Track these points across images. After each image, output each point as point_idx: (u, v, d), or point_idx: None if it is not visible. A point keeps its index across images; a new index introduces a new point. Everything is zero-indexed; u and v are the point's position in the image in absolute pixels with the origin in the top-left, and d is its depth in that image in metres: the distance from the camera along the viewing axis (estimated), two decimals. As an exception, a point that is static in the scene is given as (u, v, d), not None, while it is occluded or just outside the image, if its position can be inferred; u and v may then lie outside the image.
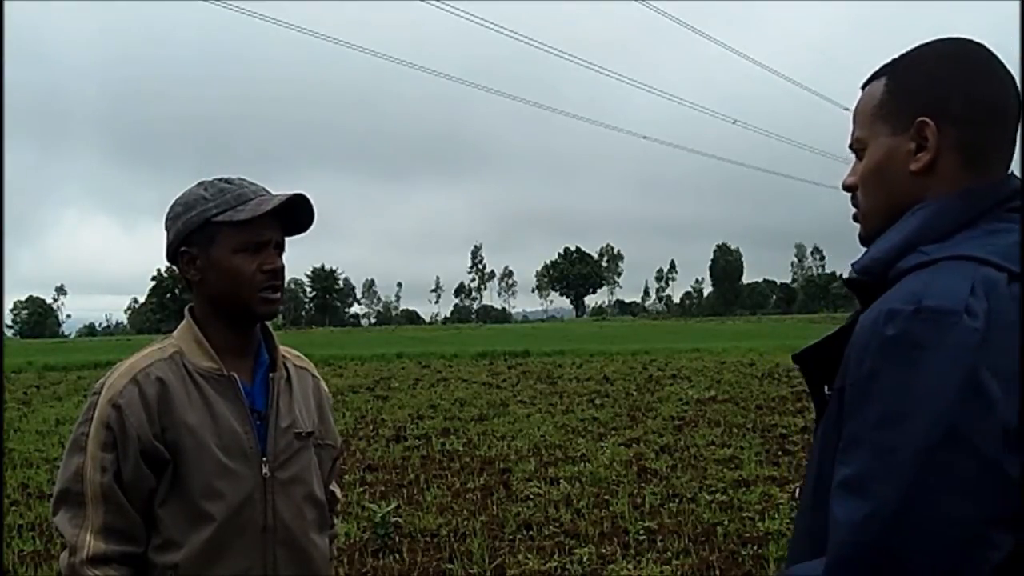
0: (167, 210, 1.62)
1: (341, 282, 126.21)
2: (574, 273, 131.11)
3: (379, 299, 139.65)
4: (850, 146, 1.10)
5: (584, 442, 8.41)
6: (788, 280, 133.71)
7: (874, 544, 0.81)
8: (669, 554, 4.76)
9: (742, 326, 57.05)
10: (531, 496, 6.14)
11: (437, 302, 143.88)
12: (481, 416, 10.45)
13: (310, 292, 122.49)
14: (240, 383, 1.58)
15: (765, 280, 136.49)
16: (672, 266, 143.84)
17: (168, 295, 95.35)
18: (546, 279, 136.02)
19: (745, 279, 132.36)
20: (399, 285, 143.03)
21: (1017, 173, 1.05)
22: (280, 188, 1.61)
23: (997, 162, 1.02)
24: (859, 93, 1.10)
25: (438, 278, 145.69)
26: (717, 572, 4.45)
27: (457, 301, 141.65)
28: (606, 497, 6.06)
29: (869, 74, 1.10)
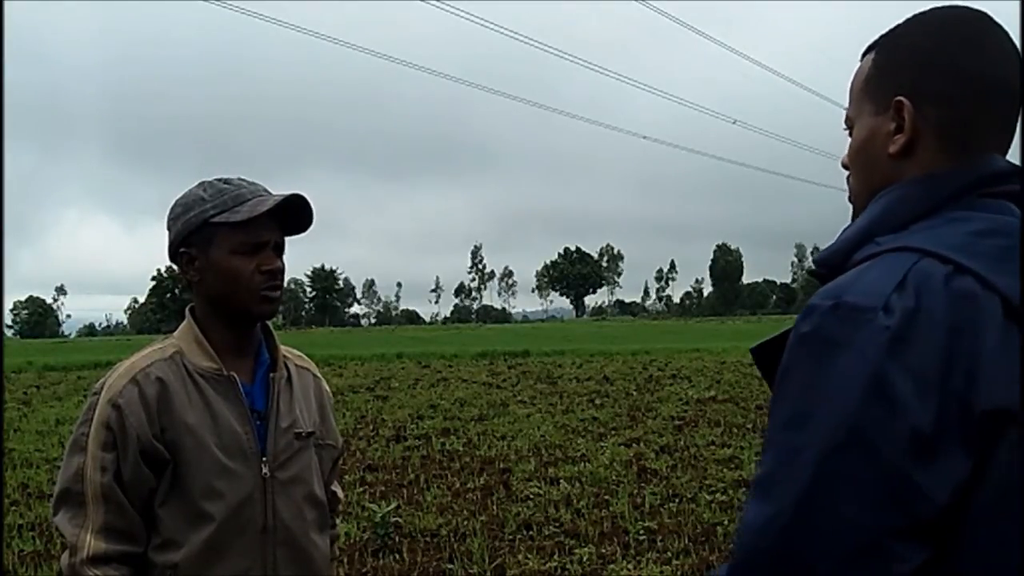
0: (168, 210, 1.62)
1: (341, 282, 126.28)
2: (574, 273, 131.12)
3: (379, 299, 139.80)
4: (845, 123, 1.04)
5: (584, 442, 8.41)
6: (788, 280, 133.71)
7: (772, 549, 0.77)
8: (669, 554, 4.76)
9: (742, 326, 57.05)
10: (531, 496, 6.14)
11: (437, 302, 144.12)
12: (481, 416, 10.44)
13: (310, 292, 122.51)
14: (240, 383, 1.58)
15: (765, 280, 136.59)
16: (672, 266, 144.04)
17: (168, 295, 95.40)
18: (546, 279, 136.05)
19: (745, 279, 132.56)
20: (399, 285, 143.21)
21: (1014, 158, 0.96)
22: (280, 188, 1.61)
23: (985, 145, 0.92)
24: None
25: (438, 278, 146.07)
26: (717, 572, 4.45)
27: (457, 301, 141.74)
28: (606, 497, 6.06)
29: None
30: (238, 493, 1.53)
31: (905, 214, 0.90)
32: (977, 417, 0.75)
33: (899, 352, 0.76)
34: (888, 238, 0.88)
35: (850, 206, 1.03)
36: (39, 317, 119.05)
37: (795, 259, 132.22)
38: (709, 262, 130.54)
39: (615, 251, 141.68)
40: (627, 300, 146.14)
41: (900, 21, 0.99)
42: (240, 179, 1.61)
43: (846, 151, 1.03)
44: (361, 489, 6.40)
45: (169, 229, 1.62)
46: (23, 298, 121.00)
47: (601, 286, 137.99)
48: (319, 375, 1.80)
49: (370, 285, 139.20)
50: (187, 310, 1.65)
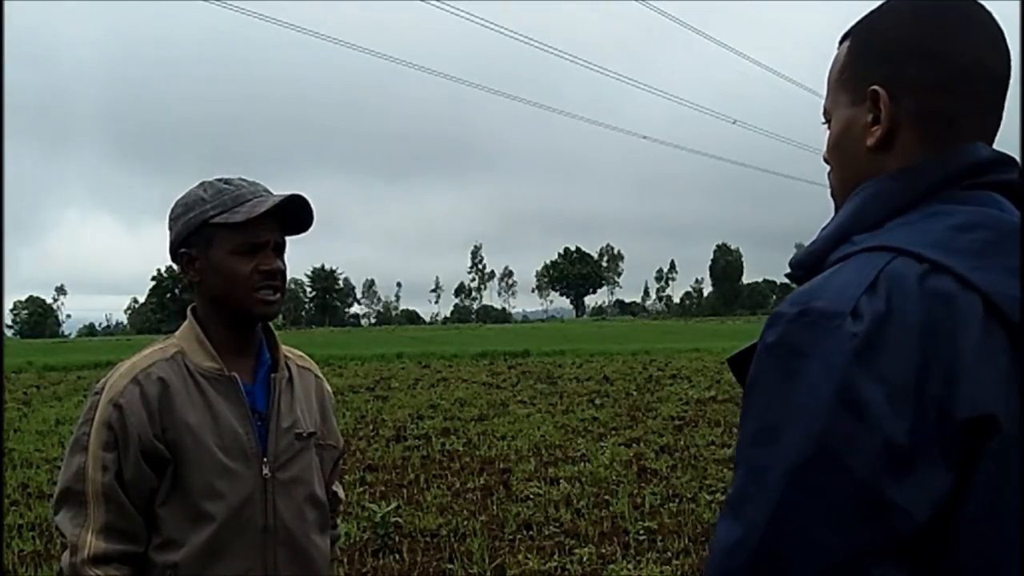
0: (169, 211, 1.63)
1: (341, 282, 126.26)
2: (574, 273, 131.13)
3: (379, 299, 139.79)
4: (823, 116, 0.98)
5: (584, 442, 8.41)
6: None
7: (743, 572, 0.73)
8: (669, 554, 4.76)
9: (742, 326, 57.00)
10: (531, 496, 6.14)
11: (437, 302, 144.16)
12: (481, 416, 10.45)
13: (310, 292, 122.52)
14: (241, 383, 1.58)
15: (765, 280, 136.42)
16: (672, 266, 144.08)
17: (168, 295, 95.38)
18: (546, 279, 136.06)
19: (745, 279, 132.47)
20: (399, 285, 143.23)
21: (1004, 146, 0.89)
22: (281, 188, 1.61)
23: (968, 133, 0.86)
24: None
25: (438, 278, 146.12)
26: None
27: (457, 301, 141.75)
28: (606, 497, 6.06)
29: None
30: (239, 493, 1.53)
31: (881, 211, 0.85)
32: (958, 426, 0.70)
33: (868, 360, 0.71)
34: (864, 237, 0.83)
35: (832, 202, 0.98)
36: (39, 317, 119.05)
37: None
38: (709, 262, 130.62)
39: (615, 251, 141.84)
40: (627, 300, 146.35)
41: (875, 6, 0.93)
42: (241, 179, 1.61)
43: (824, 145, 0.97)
44: (361, 489, 6.40)
45: (170, 229, 1.62)
46: (23, 298, 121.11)
47: (601, 286, 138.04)
48: (320, 376, 1.80)
49: (370, 285, 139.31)
50: (189, 310, 1.65)
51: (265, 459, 1.57)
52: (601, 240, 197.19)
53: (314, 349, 21.08)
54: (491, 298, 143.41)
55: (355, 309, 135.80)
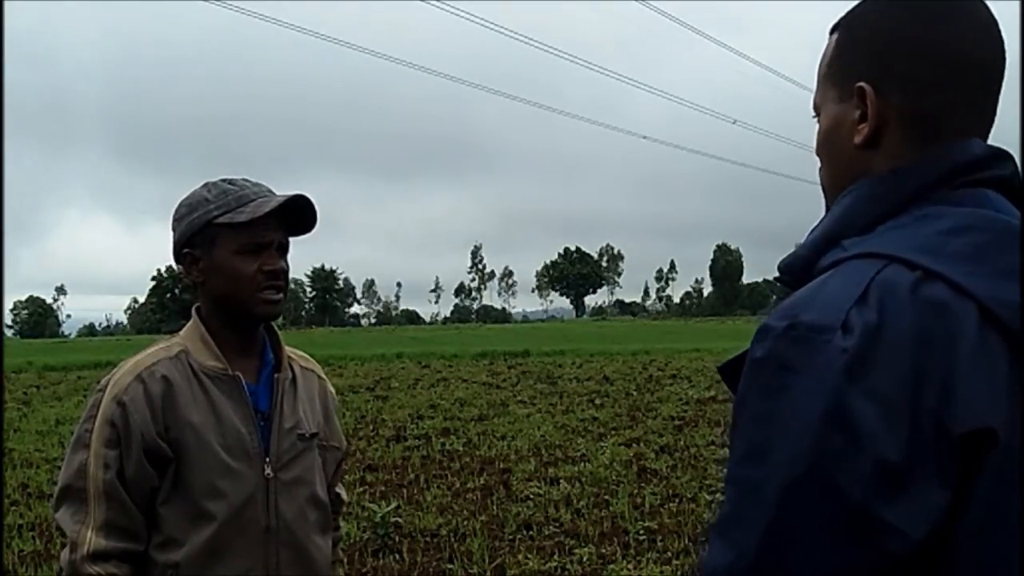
0: (173, 211, 1.63)
1: (341, 282, 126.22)
2: (574, 273, 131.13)
3: (379, 299, 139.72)
4: (813, 110, 0.94)
5: (584, 442, 8.42)
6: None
7: None
8: (669, 554, 4.76)
9: (742, 326, 57.01)
10: (531, 496, 6.15)
11: (437, 302, 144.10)
12: (481, 416, 10.45)
13: (310, 292, 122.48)
14: (245, 383, 1.58)
15: (765, 280, 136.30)
16: (672, 266, 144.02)
17: (168, 295, 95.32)
18: (546, 279, 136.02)
19: (745, 279, 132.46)
20: (399, 285, 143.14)
21: (999, 142, 0.86)
22: (281, 188, 1.62)
23: (959, 129, 0.82)
24: None
25: (438, 278, 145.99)
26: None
27: (457, 301, 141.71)
28: (606, 497, 6.07)
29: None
30: (240, 493, 1.53)
31: (869, 214, 0.81)
32: (955, 441, 0.67)
33: (860, 376, 0.68)
34: (853, 241, 0.80)
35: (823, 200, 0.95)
36: (39, 317, 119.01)
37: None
38: (709, 262, 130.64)
39: (615, 251, 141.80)
40: (627, 300, 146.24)
41: None
42: (244, 180, 1.62)
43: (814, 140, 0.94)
44: (361, 489, 6.41)
45: (173, 230, 1.62)
46: (23, 298, 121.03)
47: (601, 286, 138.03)
48: (324, 377, 1.81)
49: (370, 285, 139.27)
50: (193, 310, 1.65)
51: (267, 459, 1.57)
52: (601, 240, 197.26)
53: (314, 349, 21.00)
54: (491, 298, 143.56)
55: (355, 309, 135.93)
